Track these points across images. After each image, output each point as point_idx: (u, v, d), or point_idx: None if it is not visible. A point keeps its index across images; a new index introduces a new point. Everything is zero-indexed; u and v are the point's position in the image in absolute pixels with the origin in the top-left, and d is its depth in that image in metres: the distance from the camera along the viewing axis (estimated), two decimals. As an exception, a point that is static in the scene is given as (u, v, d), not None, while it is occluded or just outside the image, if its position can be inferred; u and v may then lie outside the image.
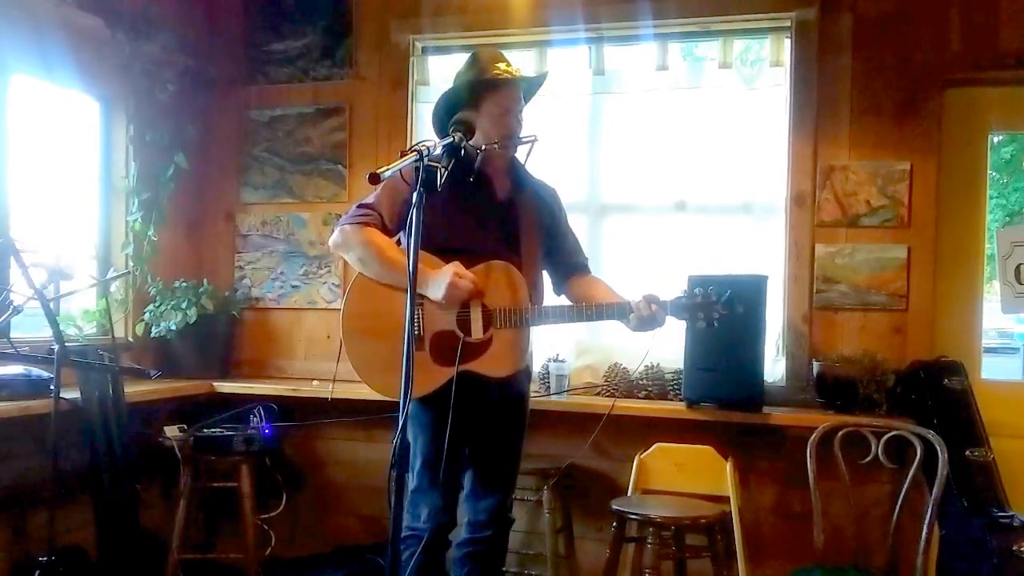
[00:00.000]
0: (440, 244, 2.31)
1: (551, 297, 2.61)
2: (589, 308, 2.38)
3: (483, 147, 2.34)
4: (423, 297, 2.33)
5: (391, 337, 2.31)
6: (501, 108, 2.39)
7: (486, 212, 2.43)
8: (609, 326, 2.88)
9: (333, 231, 2.45)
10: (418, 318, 2.35)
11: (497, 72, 2.41)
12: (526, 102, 2.51)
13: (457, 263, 2.31)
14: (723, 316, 2.32)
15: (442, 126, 2.44)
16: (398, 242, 2.50)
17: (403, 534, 2.38)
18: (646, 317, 2.29)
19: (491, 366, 2.34)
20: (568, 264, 2.58)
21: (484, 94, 2.40)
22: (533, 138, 2.43)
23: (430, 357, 2.34)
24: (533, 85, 2.53)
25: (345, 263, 3.74)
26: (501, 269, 2.35)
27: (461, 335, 2.33)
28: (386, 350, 2.33)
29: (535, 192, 2.54)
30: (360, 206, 2.42)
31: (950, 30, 3.15)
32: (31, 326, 3.01)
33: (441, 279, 2.27)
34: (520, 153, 2.51)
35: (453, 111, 2.38)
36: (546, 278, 2.60)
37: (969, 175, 3.24)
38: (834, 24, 3.24)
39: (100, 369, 2.90)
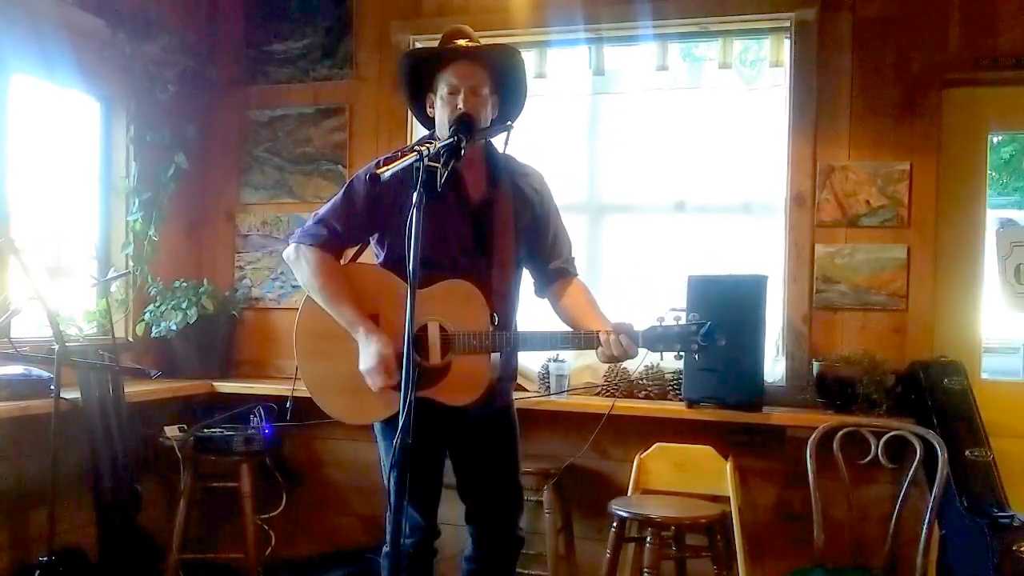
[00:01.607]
0: (403, 258, 1.92)
1: (531, 303, 2.44)
2: (554, 336, 2.18)
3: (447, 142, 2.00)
4: (381, 318, 2.18)
5: (343, 359, 2.18)
6: (448, 86, 2.14)
7: (456, 218, 2.21)
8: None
9: (289, 244, 2.30)
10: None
11: (449, 47, 2.18)
12: (510, 87, 2.25)
13: (388, 346, 2.10)
14: (702, 348, 2.05)
15: (412, 97, 2.30)
16: (361, 250, 2.38)
17: (385, 548, 2.31)
18: (617, 354, 2.08)
19: (449, 394, 2.16)
20: (547, 270, 2.34)
21: (435, 72, 2.19)
22: (507, 126, 2.21)
23: None
24: (497, 64, 2.21)
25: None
26: (462, 290, 2.16)
27: (418, 360, 2.10)
28: (338, 373, 2.20)
29: (514, 186, 2.29)
30: (316, 221, 2.27)
31: (949, 30, 3.15)
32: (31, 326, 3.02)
33: (369, 353, 2.12)
34: (498, 141, 2.28)
35: (411, 86, 2.27)
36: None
37: (968, 175, 3.24)
38: (833, 24, 3.24)
39: (100, 369, 2.90)
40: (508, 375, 2.37)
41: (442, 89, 2.17)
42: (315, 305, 2.27)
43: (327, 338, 2.23)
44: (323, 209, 2.30)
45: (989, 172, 3.30)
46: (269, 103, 3.90)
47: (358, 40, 3.78)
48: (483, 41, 2.27)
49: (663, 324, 2.09)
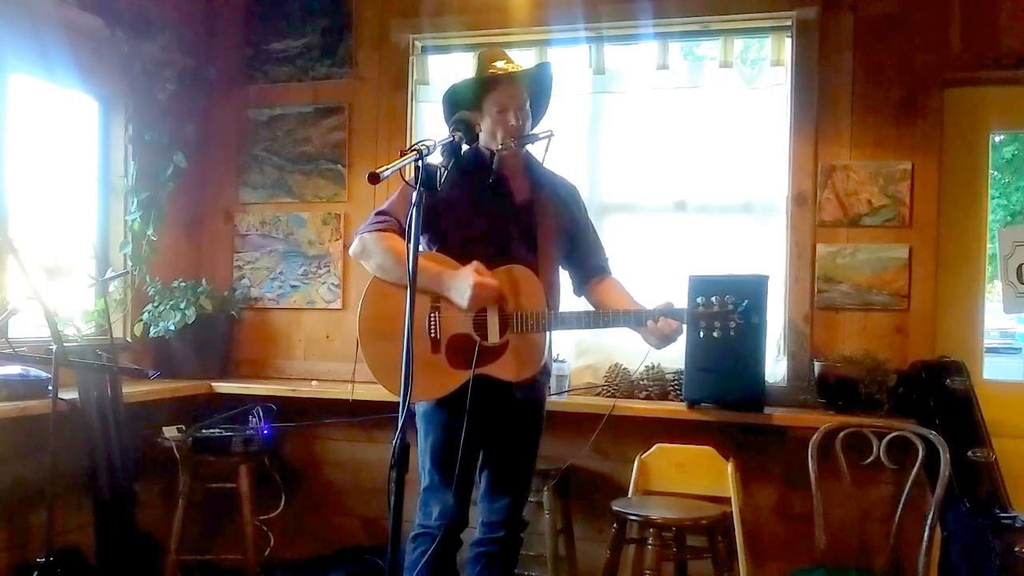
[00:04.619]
0: (459, 249, 2.37)
1: (569, 299, 2.60)
2: (606, 315, 2.35)
3: (498, 149, 2.36)
4: (442, 299, 2.34)
5: (403, 339, 2.30)
6: (498, 106, 2.38)
7: (505, 215, 2.42)
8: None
9: (353, 240, 2.45)
10: (435, 321, 2.35)
11: (493, 71, 2.40)
12: (539, 97, 2.49)
13: (477, 263, 2.30)
14: (739, 326, 2.26)
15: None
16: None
17: (414, 532, 2.44)
18: (668, 334, 2.27)
19: (506, 371, 2.33)
20: (587, 266, 2.56)
21: (483, 94, 2.40)
22: (549, 134, 2.41)
23: (446, 360, 2.34)
24: (534, 79, 2.48)
25: (345, 263, 3.74)
26: (519, 273, 2.34)
27: (477, 339, 2.32)
28: (398, 352, 2.30)
29: (554, 192, 2.51)
30: (378, 213, 2.43)
31: (951, 29, 3.14)
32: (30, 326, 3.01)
33: (463, 282, 2.27)
34: (538, 150, 2.48)
35: (456, 111, 2.40)
36: (566, 279, 2.59)
37: (970, 175, 3.23)
38: (835, 23, 3.24)
39: (99, 369, 2.89)
40: (547, 371, 2.53)
41: (491, 108, 2.39)
42: (378, 289, 2.40)
43: (389, 319, 2.33)
44: (382, 206, 2.47)
45: (991, 172, 3.29)
46: (268, 102, 3.89)
47: (358, 39, 3.77)
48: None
49: (706, 304, 2.27)
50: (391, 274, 2.38)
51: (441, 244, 2.44)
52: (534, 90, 2.46)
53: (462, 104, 2.41)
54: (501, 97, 2.38)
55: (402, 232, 2.37)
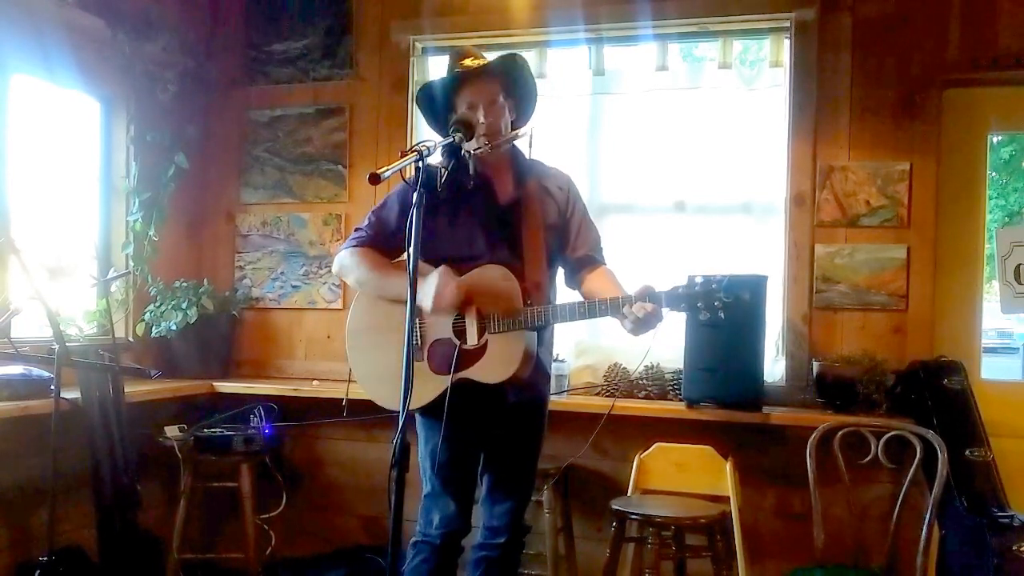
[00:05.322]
0: (441, 254, 2.33)
1: (568, 296, 2.56)
2: (583, 306, 2.25)
3: (472, 151, 2.26)
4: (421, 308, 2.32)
5: (392, 350, 2.31)
6: (467, 104, 2.30)
7: (487, 218, 2.36)
8: (609, 326, 2.87)
9: (335, 259, 2.49)
10: (416, 328, 2.32)
11: (460, 68, 2.34)
12: (519, 91, 2.40)
13: (445, 267, 2.27)
14: (726, 304, 2.09)
15: (436, 123, 2.45)
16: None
17: (414, 539, 2.43)
18: (642, 319, 2.13)
19: (485, 372, 2.27)
20: (576, 258, 2.46)
21: (453, 94, 2.35)
22: (527, 132, 2.35)
23: (428, 366, 2.33)
24: (504, 73, 2.36)
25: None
26: (494, 272, 2.29)
27: (457, 343, 2.29)
28: (384, 363, 2.33)
29: (541, 187, 2.43)
30: (354, 230, 2.47)
31: (949, 30, 3.15)
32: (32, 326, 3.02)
33: (427, 288, 2.24)
34: (523, 145, 2.42)
35: (434, 112, 2.41)
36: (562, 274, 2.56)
37: (968, 175, 3.24)
38: (833, 24, 3.25)
39: (100, 369, 2.89)
40: (543, 372, 2.47)
41: (461, 107, 2.32)
42: (362, 304, 2.46)
43: (373, 332, 2.41)
44: (361, 222, 2.48)
45: (989, 172, 3.31)
46: (269, 103, 3.90)
47: (358, 40, 3.78)
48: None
49: (685, 285, 2.15)
50: (368, 286, 2.43)
51: (425, 250, 2.35)
52: (509, 84, 2.37)
53: (436, 105, 2.37)
54: (468, 95, 2.31)
55: (373, 244, 2.41)
